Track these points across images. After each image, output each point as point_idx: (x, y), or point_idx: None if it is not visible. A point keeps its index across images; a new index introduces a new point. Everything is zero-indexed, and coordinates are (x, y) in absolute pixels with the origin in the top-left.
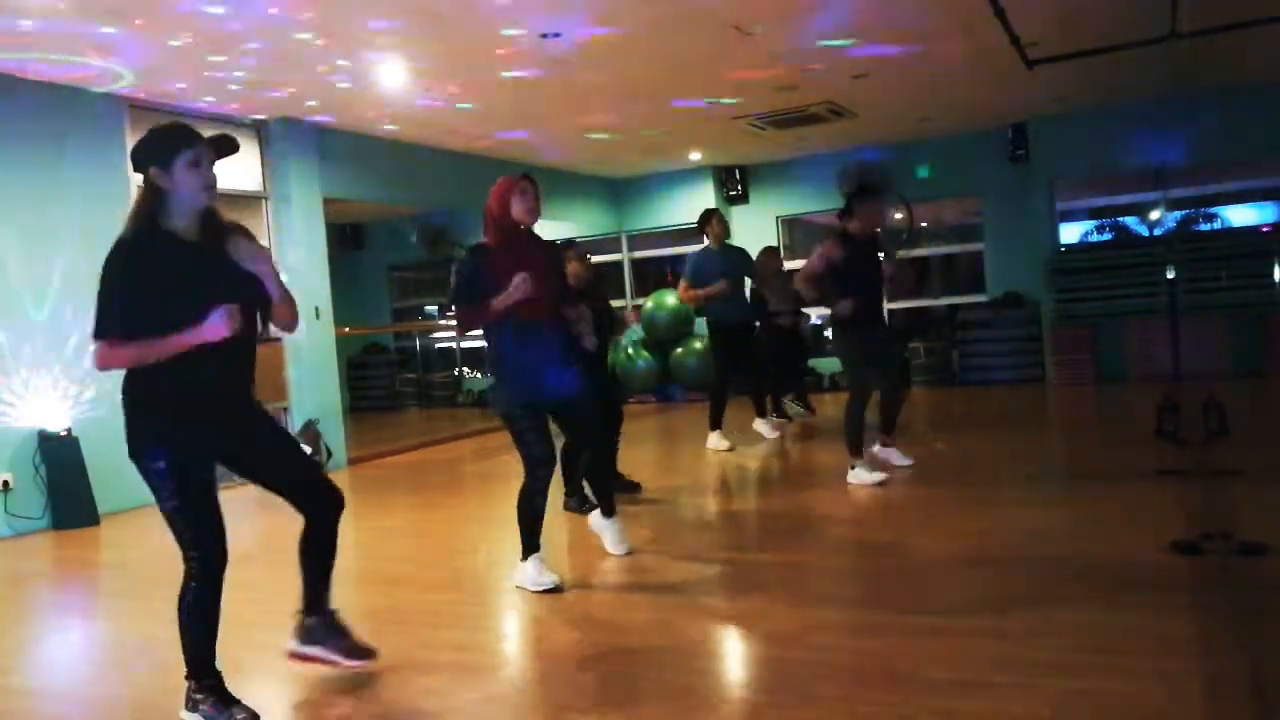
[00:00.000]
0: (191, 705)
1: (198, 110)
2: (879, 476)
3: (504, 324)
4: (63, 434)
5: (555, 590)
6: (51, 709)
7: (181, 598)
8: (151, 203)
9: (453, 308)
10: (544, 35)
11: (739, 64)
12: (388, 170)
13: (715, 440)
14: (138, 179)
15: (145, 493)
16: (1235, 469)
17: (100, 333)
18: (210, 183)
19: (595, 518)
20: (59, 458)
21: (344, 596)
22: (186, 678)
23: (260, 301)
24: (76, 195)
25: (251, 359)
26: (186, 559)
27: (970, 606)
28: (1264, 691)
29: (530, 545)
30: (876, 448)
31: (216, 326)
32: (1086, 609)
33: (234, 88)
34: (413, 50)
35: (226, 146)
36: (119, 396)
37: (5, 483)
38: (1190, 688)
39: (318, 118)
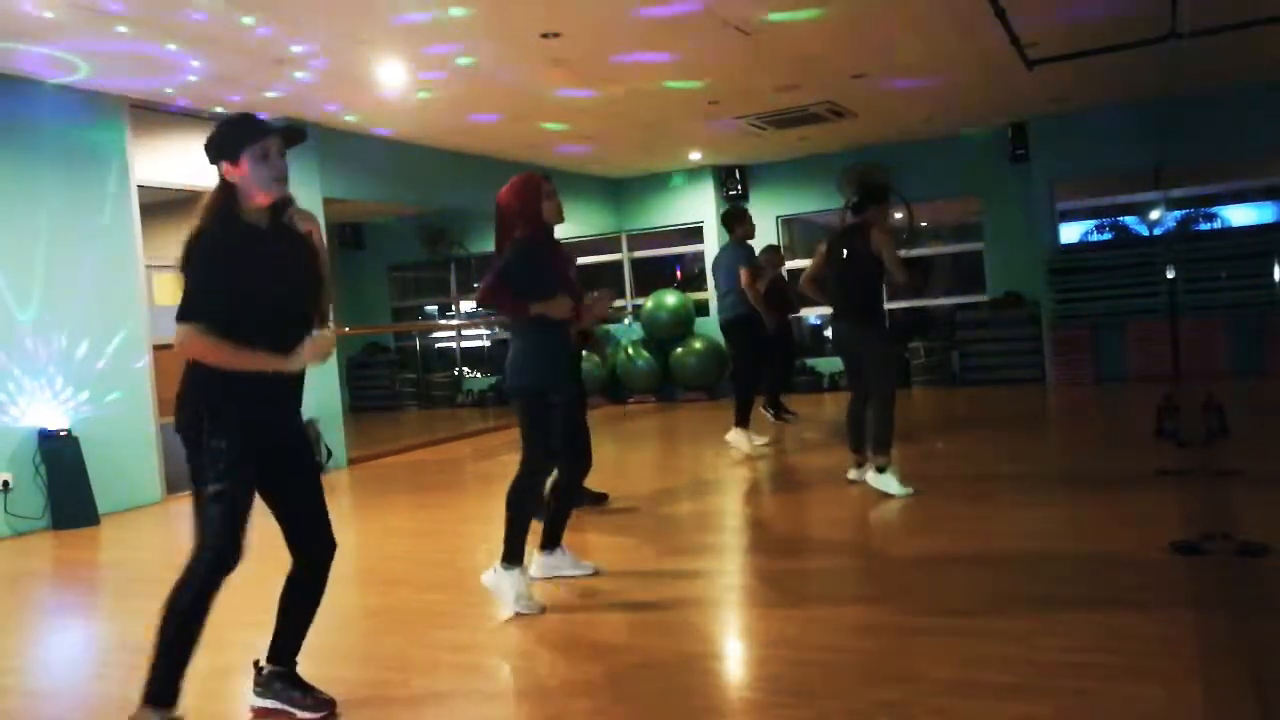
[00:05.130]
0: None
1: (197, 110)
2: (908, 490)
3: (538, 317)
4: (63, 434)
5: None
6: (51, 709)
7: (173, 604)
8: (225, 196)
9: (494, 283)
10: (544, 35)
11: (739, 63)
12: (388, 170)
13: (745, 439)
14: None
15: (145, 492)
16: (1235, 469)
17: (183, 315)
18: (279, 173)
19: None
20: (59, 458)
21: (344, 596)
22: (144, 703)
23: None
24: (77, 194)
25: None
26: (197, 555)
27: (970, 606)
28: (1264, 691)
29: (519, 554)
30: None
31: (296, 358)
32: (1086, 609)
33: (233, 88)
34: (412, 50)
35: (294, 136)
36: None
37: (5, 483)
38: (1190, 688)
39: (318, 118)
